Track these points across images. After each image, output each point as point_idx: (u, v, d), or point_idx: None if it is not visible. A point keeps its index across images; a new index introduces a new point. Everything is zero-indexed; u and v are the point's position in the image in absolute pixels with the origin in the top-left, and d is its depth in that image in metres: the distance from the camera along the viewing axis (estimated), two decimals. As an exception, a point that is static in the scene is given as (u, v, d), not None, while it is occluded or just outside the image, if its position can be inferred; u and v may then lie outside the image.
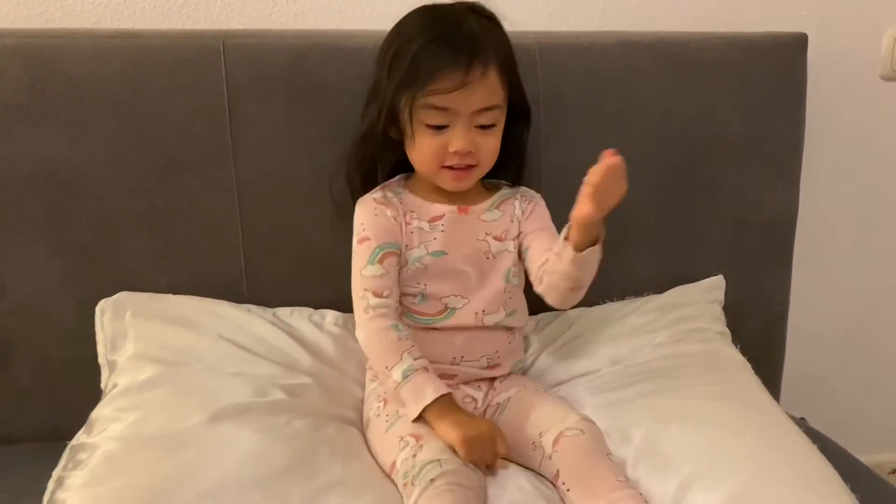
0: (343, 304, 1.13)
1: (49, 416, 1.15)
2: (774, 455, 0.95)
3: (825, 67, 1.35)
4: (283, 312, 1.15)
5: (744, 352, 1.18)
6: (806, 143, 1.32)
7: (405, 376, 0.95)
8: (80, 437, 0.98)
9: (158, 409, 0.98)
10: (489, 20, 1.04)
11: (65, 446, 0.98)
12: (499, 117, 1.03)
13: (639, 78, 1.22)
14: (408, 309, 1.06)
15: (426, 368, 0.96)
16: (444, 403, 0.94)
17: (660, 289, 1.26)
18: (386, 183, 1.10)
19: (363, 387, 1.10)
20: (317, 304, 1.17)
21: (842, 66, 1.39)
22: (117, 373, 1.04)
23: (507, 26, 1.29)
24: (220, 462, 0.91)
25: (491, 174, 1.10)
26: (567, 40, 1.22)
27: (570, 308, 1.10)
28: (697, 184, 1.28)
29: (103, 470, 0.90)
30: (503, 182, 1.13)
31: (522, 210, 1.10)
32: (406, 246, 1.05)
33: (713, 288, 1.27)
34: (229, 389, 1.01)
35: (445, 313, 1.05)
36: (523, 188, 1.13)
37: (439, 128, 1.00)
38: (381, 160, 1.10)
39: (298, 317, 1.15)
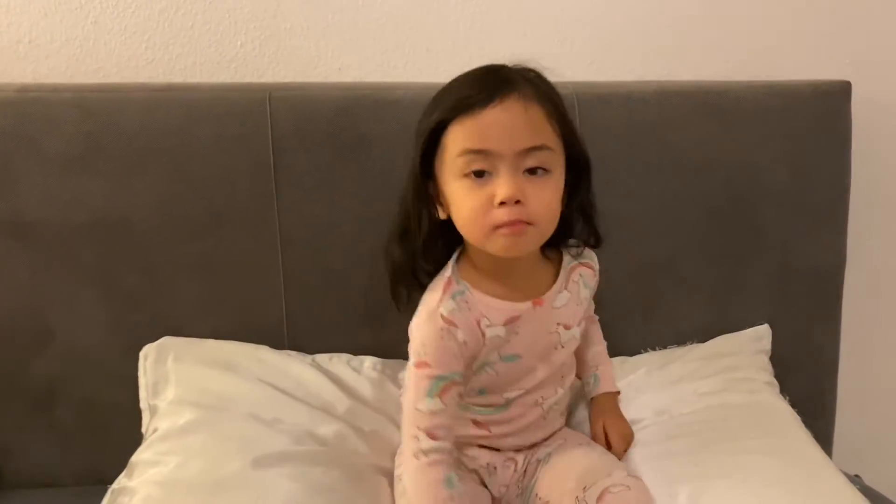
0: (382, 349, 1.16)
1: (92, 461, 1.16)
2: (827, 513, 0.91)
3: (870, 115, 1.33)
4: (323, 358, 1.16)
5: (793, 405, 1.15)
6: (853, 191, 1.30)
7: None
8: (121, 481, 0.99)
9: (197, 454, 0.98)
10: (531, 70, 0.93)
11: (106, 490, 0.99)
12: (551, 162, 0.88)
13: (678, 127, 1.22)
14: (465, 400, 0.98)
15: None
16: None
17: (703, 338, 1.24)
18: (446, 284, 0.92)
19: (399, 429, 1.08)
20: (356, 351, 1.18)
21: (887, 114, 1.37)
22: (158, 417, 1.05)
23: (546, 76, 1.30)
24: (257, 510, 0.90)
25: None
26: (606, 90, 1.22)
27: (612, 357, 1.09)
28: (741, 232, 1.26)
29: (143, 514, 0.91)
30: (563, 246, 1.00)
31: (590, 289, 1.02)
32: (475, 355, 0.93)
33: (759, 337, 1.24)
34: (268, 436, 1.01)
35: (503, 404, 0.99)
36: (585, 251, 1.01)
37: (480, 175, 0.86)
38: (421, 256, 0.94)
39: (338, 362, 1.15)
